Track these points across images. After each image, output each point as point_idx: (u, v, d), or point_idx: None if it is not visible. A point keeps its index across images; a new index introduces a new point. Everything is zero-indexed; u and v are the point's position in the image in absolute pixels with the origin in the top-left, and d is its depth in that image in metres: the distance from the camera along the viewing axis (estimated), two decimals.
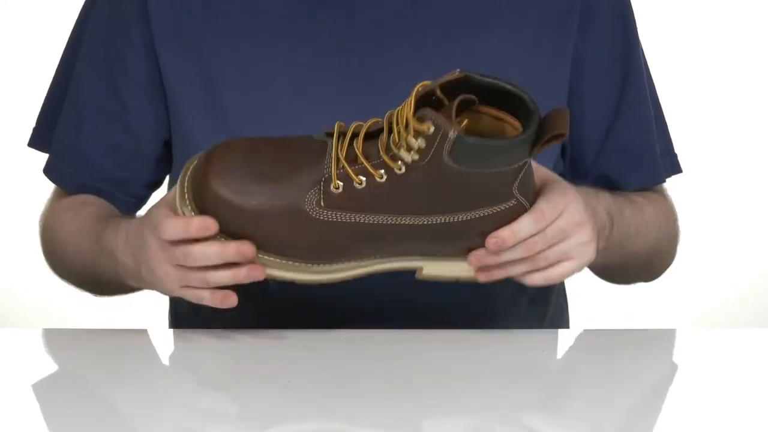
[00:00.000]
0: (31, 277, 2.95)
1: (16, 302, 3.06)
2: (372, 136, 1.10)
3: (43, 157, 1.45)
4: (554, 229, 1.14)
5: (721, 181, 3.15)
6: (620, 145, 1.38)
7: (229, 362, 1.13)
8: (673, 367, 1.13)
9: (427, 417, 0.92)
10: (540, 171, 1.16)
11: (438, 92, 1.08)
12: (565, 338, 1.31)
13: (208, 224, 1.11)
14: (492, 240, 1.12)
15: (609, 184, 1.37)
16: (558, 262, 1.16)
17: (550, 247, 1.14)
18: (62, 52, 1.44)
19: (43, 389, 1.03)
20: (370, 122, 1.10)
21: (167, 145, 1.39)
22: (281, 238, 1.11)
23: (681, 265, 1.44)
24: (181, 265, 1.14)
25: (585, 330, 1.32)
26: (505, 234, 1.12)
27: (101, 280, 1.31)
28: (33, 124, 1.45)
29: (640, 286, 1.47)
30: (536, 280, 1.16)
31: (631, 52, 1.39)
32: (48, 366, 1.14)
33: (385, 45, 1.32)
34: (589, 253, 1.16)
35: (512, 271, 1.16)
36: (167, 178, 1.43)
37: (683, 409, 0.96)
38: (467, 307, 1.32)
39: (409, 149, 1.07)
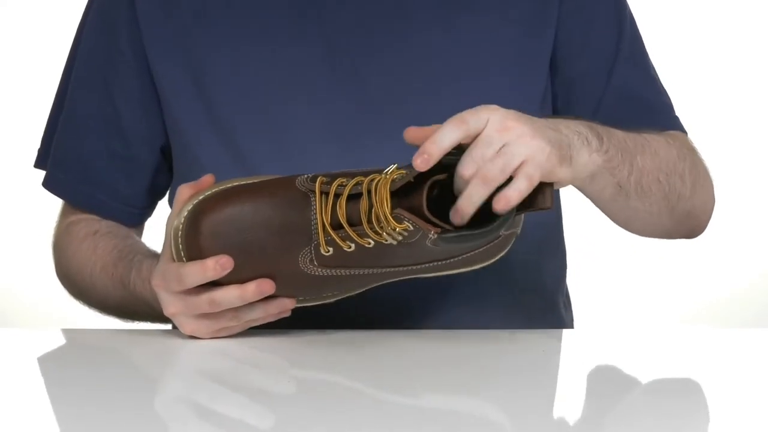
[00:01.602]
0: (31, 277, 2.96)
1: (16, 302, 3.06)
2: (353, 195, 1.10)
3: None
4: (487, 140, 1.08)
5: (721, 181, 3.15)
6: (619, 95, 1.37)
7: (231, 363, 1.13)
8: (673, 367, 1.13)
9: (428, 416, 0.92)
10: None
11: (412, 180, 1.09)
12: (565, 338, 1.31)
13: (222, 261, 1.12)
14: (418, 159, 1.08)
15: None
16: (514, 174, 1.09)
17: (493, 161, 1.09)
18: (62, 71, 1.43)
19: (43, 390, 1.03)
20: (351, 183, 1.10)
21: (165, 152, 1.39)
22: (280, 291, 1.14)
23: (681, 264, 1.44)
24: (206, 314, 1.15)
25: (585, 330, 1.32)
26: (429, 148, 1.08)
27: (135, 317, 1.32)
28: (32, 141, 1.45)
29: (640, 286, 1.47)
30: (502, 202, 1.09)
31: (621, 20, 1.38)
32: (48, 366, 1.14)
33: (374, 39, 1.33)
34: (539, 147, 1.09)
35: (476, 197, 1.09)
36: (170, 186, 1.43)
37: (683, 409, 0.96)
38: (471, 307, 1.32)
39: (392, 232, 1.08)
